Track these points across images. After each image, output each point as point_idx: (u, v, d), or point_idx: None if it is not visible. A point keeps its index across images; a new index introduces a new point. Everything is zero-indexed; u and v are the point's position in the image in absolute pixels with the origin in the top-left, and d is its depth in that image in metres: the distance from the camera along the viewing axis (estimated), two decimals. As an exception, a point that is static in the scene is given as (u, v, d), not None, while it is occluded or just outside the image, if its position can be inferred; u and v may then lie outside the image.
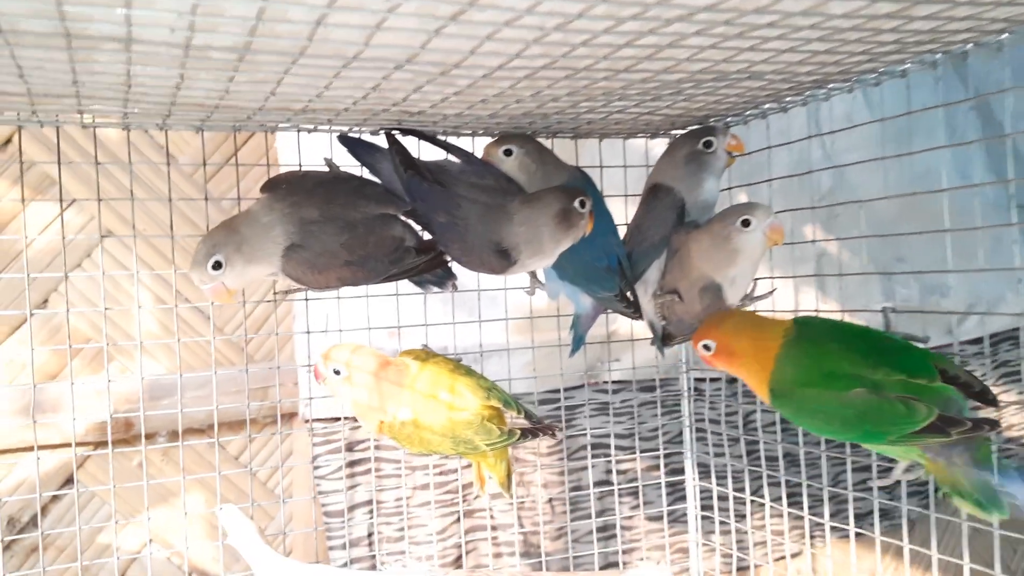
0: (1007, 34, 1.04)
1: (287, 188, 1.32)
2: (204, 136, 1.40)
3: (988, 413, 1.22)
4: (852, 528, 1.48)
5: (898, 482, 1.30)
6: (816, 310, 1.47)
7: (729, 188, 1.71)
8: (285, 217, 1.28)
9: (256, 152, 2.04)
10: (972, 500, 1.14)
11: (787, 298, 1.65)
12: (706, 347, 1.31)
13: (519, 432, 1.37)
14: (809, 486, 1.61)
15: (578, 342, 1.63)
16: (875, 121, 1.35)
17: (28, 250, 1.93)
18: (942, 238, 1.25)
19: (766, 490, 1.72)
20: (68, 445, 1.79)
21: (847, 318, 1.41)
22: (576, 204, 1.32)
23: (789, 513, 1.78)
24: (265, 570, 1.23)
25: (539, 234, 1.34)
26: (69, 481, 1.94)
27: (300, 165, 1.45)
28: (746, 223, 1.38)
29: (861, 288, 1.78)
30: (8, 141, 1.91)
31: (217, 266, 1.25)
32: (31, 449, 1.76)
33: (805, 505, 1.60)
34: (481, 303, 1.72)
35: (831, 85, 1.29)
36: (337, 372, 1.34)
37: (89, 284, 1.95)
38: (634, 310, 1.54)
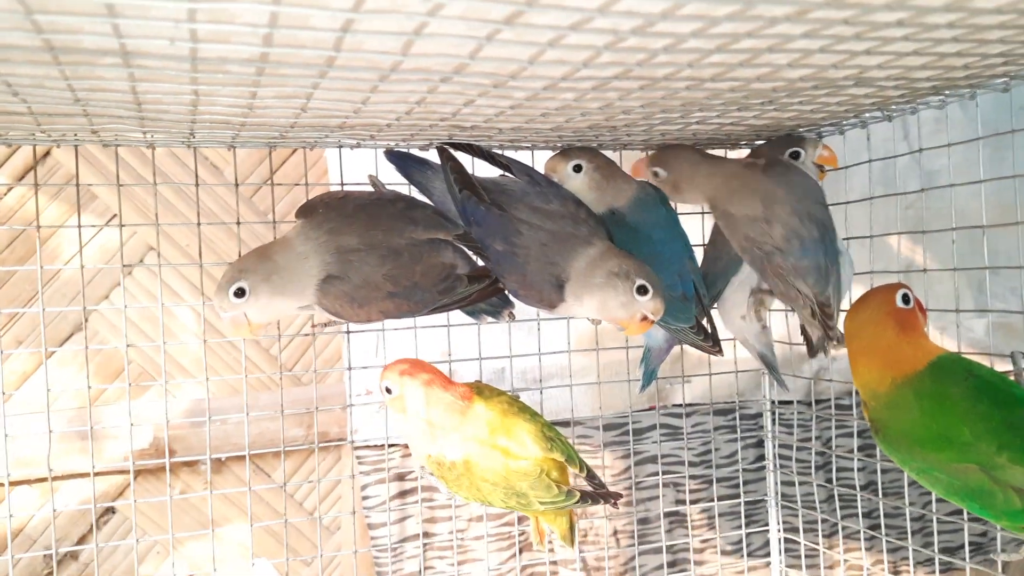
0: None
1: (324, 213, 1.18)
2: (237, 153, 1.27)
3: None
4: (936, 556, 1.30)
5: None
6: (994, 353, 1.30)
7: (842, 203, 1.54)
8: (322, 246, 1.15)
9: (310, 168, 1.92)
10: None
11: None
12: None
13: (579, 495, 1.21)
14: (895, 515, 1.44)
15: (649, 377, 1.48)
16: (966, 141, 1.18)
17: (66, 268, 1.84)
18: None
19: (858, 520, 1.55)
20: (111, 473, 1.70)
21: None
22: (647, 307, 1.17)
23: (876, 545, 1.61)
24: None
25: (603, 299, 1.18)
26: (108, 511, 1.85)
27: (342, 184, 1.32)
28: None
29: (951, 301, 1.61)
30: (47, 154, 1.82)
31: (240, 293, 1.12)
32: (70, 478, 1.67)
33: (910, 535, 1.42)
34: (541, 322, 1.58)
35: (948, 92, 1.11)
36: (388, 391, 1.21)
37: (129, 307, 1.85)
38: (712, 343, 1.37)
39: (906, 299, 1.12)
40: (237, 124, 1.04)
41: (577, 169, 1.29)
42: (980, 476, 0.97)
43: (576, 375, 1.65)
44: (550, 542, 1.41)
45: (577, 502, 1.23)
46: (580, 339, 1.72)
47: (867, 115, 1.26)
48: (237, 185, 1.34)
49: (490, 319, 1.37)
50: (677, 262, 1.32)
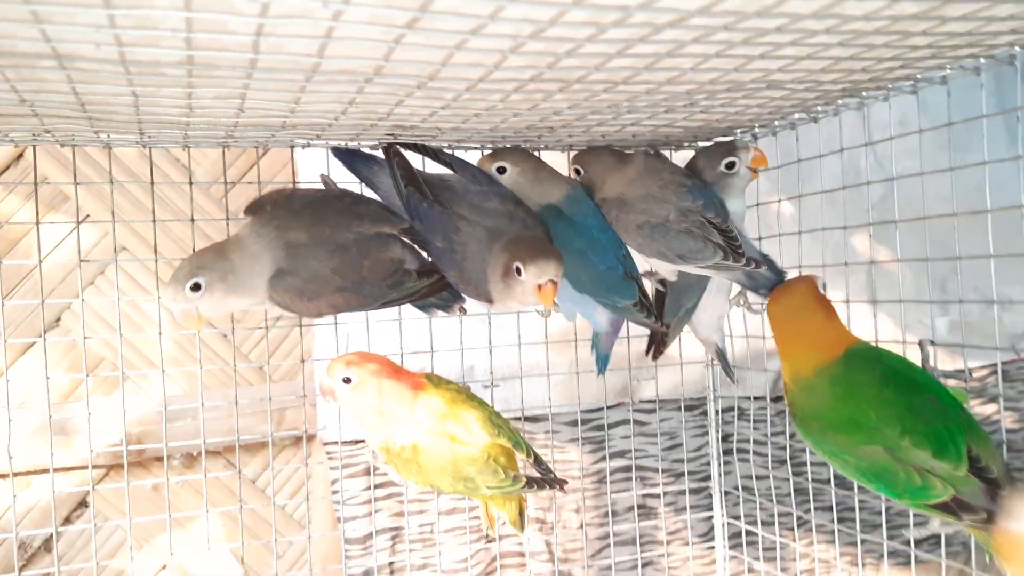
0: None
1: (272, 210, 1.23)
2: (210, 155, 1.32)
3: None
4: (886, 548, 1.35)
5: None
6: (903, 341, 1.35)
7: (779, 200, 1.61)
8: (271, 243, 1.20)
9: (282, 169, 1.96)
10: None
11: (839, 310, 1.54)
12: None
13: (525, 480, 1.26)
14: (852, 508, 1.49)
15: (603, 361, 1.53)
16: (916, 132, 1.22)
17: (41, 267, 1.89)
18: (1008, 246, 1.15)
19: (815, 512, 1.60)
20: (82, 468, 1.74)
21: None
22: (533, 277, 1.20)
23: (829, 539, 1.66)
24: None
25: (494, 286, 1.24)
26: (81, 504, 1.90)
27: (294, 182, 1.37)
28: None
29: (912, 304, 1.66)
30: (20, 156, 1.87)
31: (196, 288, 1.17)
32: (44, 472, 1.72)
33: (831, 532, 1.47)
34: (520, 323, 1.65)
35: (865, 93, 1.16)
36: (347, 380, 1.24)
37: (102, 302, 1.90)
38: (655, 318, 1.42)
39: (824, 288, 1.18)
40: (183, 124, 1.10)
41: (501, 171, 1.35)
42: (885, 457, 1.03)
43: (542, 371, 1.71)
44: (502, 524, 1.46)
45: (524, 487, 1.28)
46: (543, 335, 1.78)
47: (795, 117, 1.32)
48: (191, 183, 1.38)
49: (441, 313, 1.42)
50: (616, 246, 1.38)
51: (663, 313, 1.49)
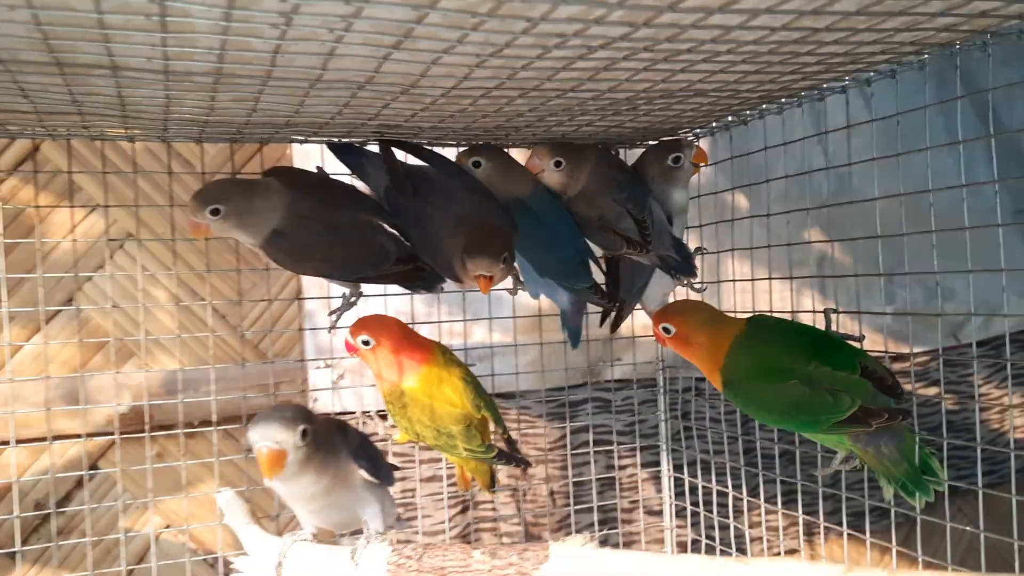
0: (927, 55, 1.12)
1: (290, 178, 1.43)
2: (209, 151, 1.52)
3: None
4: (822, 524, 1.55)
5: (839, 472, 1.38)
6: (813, 310, 1.54)
7: (731, 189, 1.80)
8: (284, 204, 1.39)
9: (270, 162, 2.15)
10: (899, 485, 1.23)
11: (786, 300, 1.72)
12: (665, 329, 1.40)
13: (497, 452, 1.46)
14: (805, 485, 1.68)
15: (575, 336, 1.72)
16: (865, 122, 1.38)
17: (54, 252, 2.06)
18: (946, 241, 1.31)
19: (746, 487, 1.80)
20: (92, 435, 1.92)
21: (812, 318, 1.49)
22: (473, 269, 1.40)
23: (778, 511, 1.84)
24: (251, 545, 1.34)
25: (459, 270, 1.44)
26: (91, 468, 2.08)
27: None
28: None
29: (863, 291, 1.84)
30: (36, 149, 2.04)
31: (215, 212, 1.34)
32: (58, 438, 1.89)
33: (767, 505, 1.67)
34: (491, 304, 1.84)
35: (783, 100, 1.37)
36: (366, 343, 1.42)
37: (110, 284, 2.08)
38: (609, 300, 1.63)
39: None
40: (202, 121, 1.29)
41: (476, 164, 1.55)
42: (800, 389, 1.23)
43: (519, 352, 1.91)
44: (475, 485, 1.67)
45: (494, 458, 1.48)
46: (523, 323, 1.98)
47: (728, 119, 1.52)
48: (204, 173, 1.58)
49: (423, 291, 1.62)
50: (574, 237, 1.59)
51: (620, 290, 1.70)
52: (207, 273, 1.90)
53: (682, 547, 2.17)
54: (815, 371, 1.23)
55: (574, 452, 2.10)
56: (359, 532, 1.38)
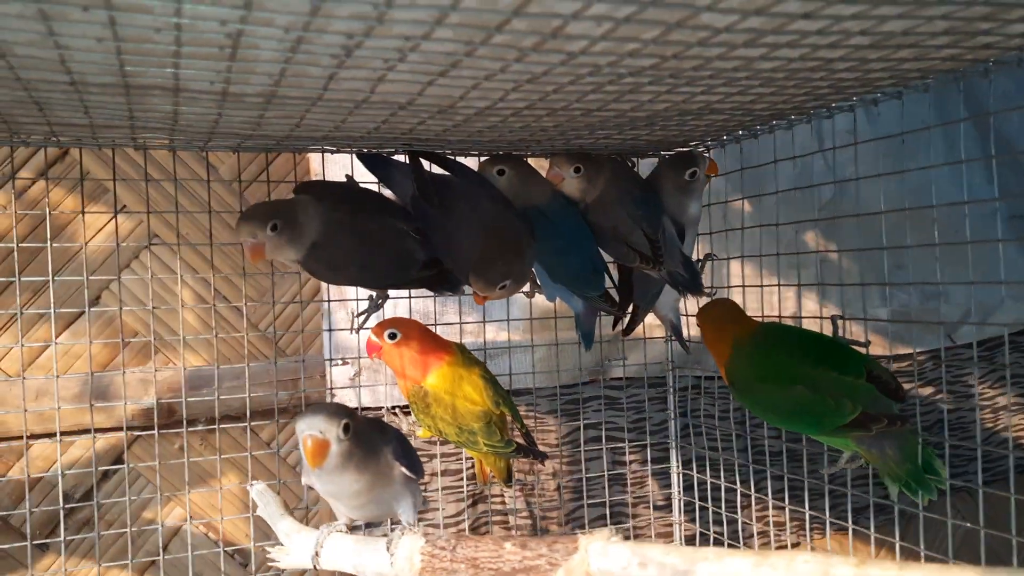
0: (931, 79, 1.20)
1: (321, 192, 1.50)
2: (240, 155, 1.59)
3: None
4: (828, 519, 1.63)
5: (844, 470, 1.46)
6: (820, 316, 1.62)
7: (741, 198, 1.87)
8: (320, 218, 1.46)
9: (287, 167, 2.22)
10: (902, 484, 1.30)
11: (790, 303, 1.80)
12: (699, 325, 1.51)
13: (515, 446, 1.53)
14: (804, 482, 1.75)
15: (588, 338, 1.80)
16: (869, 141, 1.47)
17: (82, 252, 2.13)
18: (941, 247, 1.37)
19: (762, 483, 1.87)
20: (119, 429, 1.98)
21: (816, 324, 1.56)
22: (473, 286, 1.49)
23: (783, 507, 1.91)
24: (286, 536, 1.41)
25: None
26: (118, 461, 2.14)
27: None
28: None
29: (860, 293, 1.91)
30: (66, 153, 2.11)
31: (274, 228, 1.40)
32: (86, 431, 1.95)
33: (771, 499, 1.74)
34: (505, 305, 1.92)
35: (792, 117, 1.45)
36: (393, 336, 1.50)
37: (136, 284, 2.15)
38: (619, 308, 1.71)
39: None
40: (245, 135, 1.36)
41: (500, 173, 1.63)
42: (804, 393, 1.31)
43: (531, 350, 1.98)
44: (493, 479, 1.74)
45: (513, 452, 1.55)
46: (534, 322, 2.05)
47: (739, 133, 1.60)
48: (240, 180, 1.64)
49: (448, 293, 1.69)
50: (589, 247, 1.66)
51: (634, 297, 1.77)
52: (241, 276, 1.96)
53: (688, 540, 2.25)
54: (820, 376, 1.30)
55: (582, 448, 2.17)
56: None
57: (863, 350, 1.40)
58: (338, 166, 1.75)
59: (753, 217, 1.92)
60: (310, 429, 1.23)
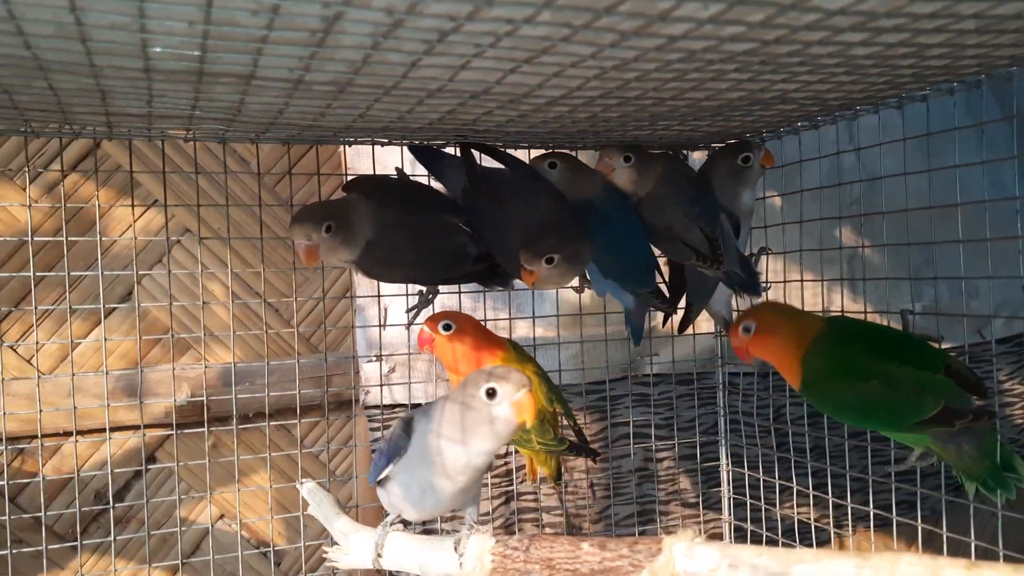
0: (1015, 67, 1.17)
1: (371, 189, 1.47)
2: (291, 150, 1.56)
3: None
4: (871, 511, 1.61)
5: (914, 470, 1.43)
6: (842, 310, 1.59)
7: (766, 197, 1.84)
8: (371, 216, 1.42)
9: (325, 162, 2.19)
10: (980, 482, 1.27)
11: (818, 298, 1.78)
12: (746, 328, 1.44)
13: (568, 443, 1.51)
14: (838, 475, 1.74)
15: (637, 333, 1.76)
16: (900, 140, 1.47)
17: (115, 246, 2.10)
18: (974, 245, 1.37)
19: (806, 480, 1.85)
20: (151, 427, 1.95)
21: (876, 318, 1.53)
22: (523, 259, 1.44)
23: (819, 501, 1.90)
24: (342, 536, 1.38)
25: None
26: (150, 460, 2.11)
27: (345, 174, 1.62)
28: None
29: (890, 289, 1.89)
30: (98, 145, 2.08)
31: (328, 229, 1.37)
32: (119, 429, 1.92)
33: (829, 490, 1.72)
34: (534, 300, 1.89)
35: (858, 107, 1.42)
36: (448, 328, 1.48)
37: (165, 277, 2.11)
38: (669, 304, 1.68)
39: None
40: (304, 126, 1.33)
41: (552, 166, 1.60)
42: (881, 388, 1.27)
43: (562, 347, 1.95)
44: (542, 479, 1.72)
45: (565, 449, 1.52)
46: (564, 319, 2.03)
47: (798, 124, 1.57)
48: (290, 174, 1.61)
49: (499, 288, 1.66)
50: (640, 242, 1.63)
51: (688, 292, 1.74)
52: (291, 271, 1.93)
53: (717, 537, 2.23)
54: (897, 371, 1.27)
55: (614, 444, 2.15)
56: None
57: (936, 344, 1.37)
58: (367, 158, 1.72)
59: (784, 214, 1.91)
60: (523, 386, 1.17)
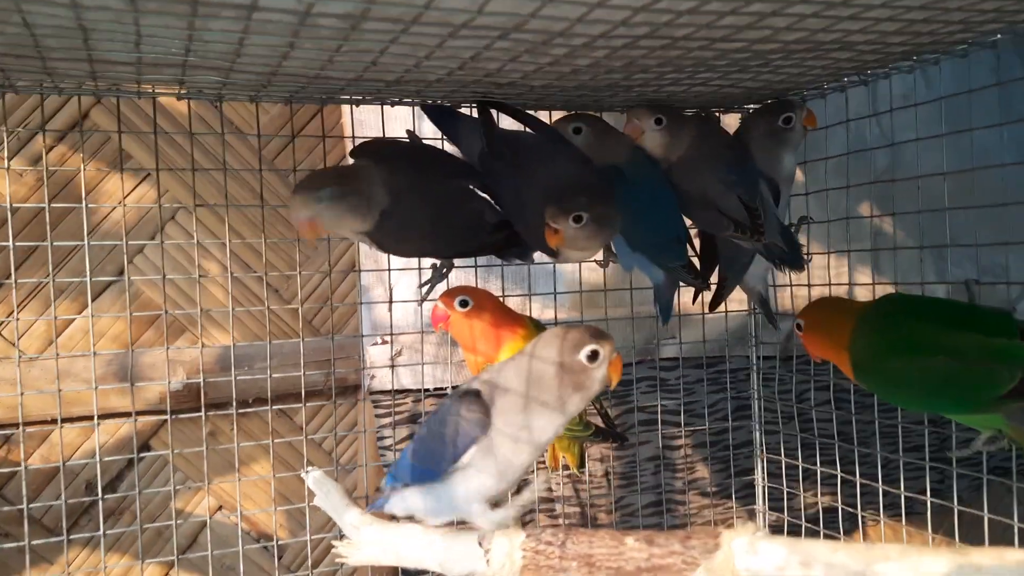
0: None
1: (380, 155, 1.34)
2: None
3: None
4: (902, 494, 1.51)
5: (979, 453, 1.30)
6: (872, 283, 1.54)
7: (805, 162, 1.75)
8: (382, 184, 1.30)
9: (316, 128, 2.06)
10: None
11: (843, 275, 1.69)
12: (799, 327, 1.34)
13: (594, 428, 1.39)
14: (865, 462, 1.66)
15: (666, 311, 1.63)
16: (928, 102, 1.40)
17: (104, 221, 1.98)
18: (998, 220, 1.28)
19: (832, 464, 1.74)
20: (144, 413, 1.83)
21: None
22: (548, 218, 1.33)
23: (847, 488, 1.80)
24: (352, 529, 1.26)
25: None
26: (143, 448, 2.00)
27: (353, 137, 1.50)
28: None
29: (915, 268, 1.80)
30: (85, 116, 1.95)
31: (338, 197, 1.25)
32: (109, 416, 1.81)
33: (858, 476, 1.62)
34: (555, 277, 1.80)
35: (915, 57, 1.30)
36: (465, 304, 1.37)
37: (158, 254, 1.98)
38: (701, 279, 1.55)
39: None
40: (307, 78, 1.20)
41: (577, 131, 1.47)
42: (947, 364, 1.14)
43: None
44: (565, 467, 1.61)
45: (591, 435, 1.41)
46: (577, 298, 1.91)
47: (845, 79, 1.44)
48: (294, 138, 1.49)
49: (518, 261, 1.53)
50: (671, 211, 1.50)
51: (721, 266, 1.61)
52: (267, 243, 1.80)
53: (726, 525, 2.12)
54: (964, 341, 1.14)
55: (631, 429, 2.03)
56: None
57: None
58: (370, 128, 1.61)
59: (805, 183, 1.81)
60: (613, 343, 1.10)
